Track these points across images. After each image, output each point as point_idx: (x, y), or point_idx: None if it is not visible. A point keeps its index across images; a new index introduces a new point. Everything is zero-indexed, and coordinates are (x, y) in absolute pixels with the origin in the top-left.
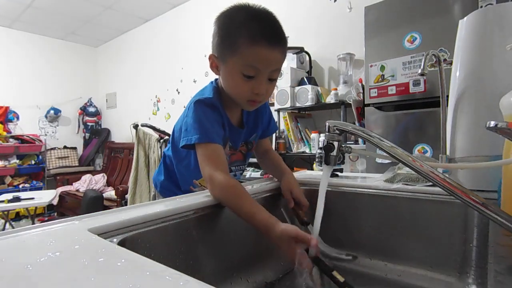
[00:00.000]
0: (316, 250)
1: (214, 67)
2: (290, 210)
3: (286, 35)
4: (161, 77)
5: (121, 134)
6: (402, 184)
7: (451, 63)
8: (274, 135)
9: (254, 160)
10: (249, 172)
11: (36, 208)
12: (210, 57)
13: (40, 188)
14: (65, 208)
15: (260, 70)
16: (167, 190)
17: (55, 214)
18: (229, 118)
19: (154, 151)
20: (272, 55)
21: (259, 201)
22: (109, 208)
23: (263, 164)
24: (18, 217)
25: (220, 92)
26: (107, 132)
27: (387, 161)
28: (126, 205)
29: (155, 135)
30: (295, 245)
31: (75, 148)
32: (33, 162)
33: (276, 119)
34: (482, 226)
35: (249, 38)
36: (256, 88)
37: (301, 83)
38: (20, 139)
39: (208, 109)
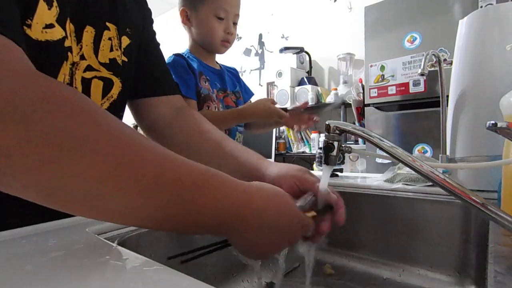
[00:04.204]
0: None
1: (187, 20)
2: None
3: (286, 35)
4: None
5: None
6: (402, 184)
7: (451, 63)
8: (274, 135)
9: None
10: None
11: None
12: (182, 12)
13: None
14: None
15: (228, 12)
16: None
17: None
18: (206, 63)
19: None
20: (235, 0)
21: None
22: None
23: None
24: None
25: (192, 47)
26: None
27: (387, 161)
28: None
29: None
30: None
31: None
32: None
33: None
34: (482, 226)
35: None
36: (227, 28)
37: (301, 83)
38: None
39: (177, 58)
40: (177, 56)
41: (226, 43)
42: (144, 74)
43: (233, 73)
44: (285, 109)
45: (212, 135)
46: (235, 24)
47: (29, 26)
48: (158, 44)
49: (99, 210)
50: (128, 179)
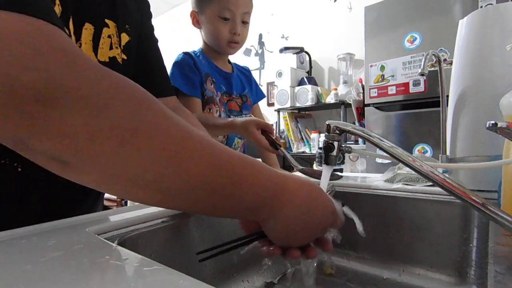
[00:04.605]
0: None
1: (196, 22)
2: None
3: (286, 35)
4: None
5: None
6: (402, 184)
7: (451, 63)
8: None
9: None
10: None
11: None
12: (191, 14)
13: None
14: None
15: (234, 12)
16: None
17: None
18: (216, 65)
19: None
20: None
21: None
22: (109, 208)
23: None
24: None
25: (204, 47)
26: None
27: (387, 161)
28: (126, 205)
29: None
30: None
31: None
32: None
33: (276, 119)
34: (482, 226)
35: None
36: (233, 28)
37: (301, 83)
38: None
39: (185, 56)
40: (186, 54)
41: (233, 44)
42: (141, 73)
43: (245, 74)
44: (270, 138)
45: None
46: (245, 23)
47: None
48: (157, 41)
49: (159, 193)
50: (191, 162)
